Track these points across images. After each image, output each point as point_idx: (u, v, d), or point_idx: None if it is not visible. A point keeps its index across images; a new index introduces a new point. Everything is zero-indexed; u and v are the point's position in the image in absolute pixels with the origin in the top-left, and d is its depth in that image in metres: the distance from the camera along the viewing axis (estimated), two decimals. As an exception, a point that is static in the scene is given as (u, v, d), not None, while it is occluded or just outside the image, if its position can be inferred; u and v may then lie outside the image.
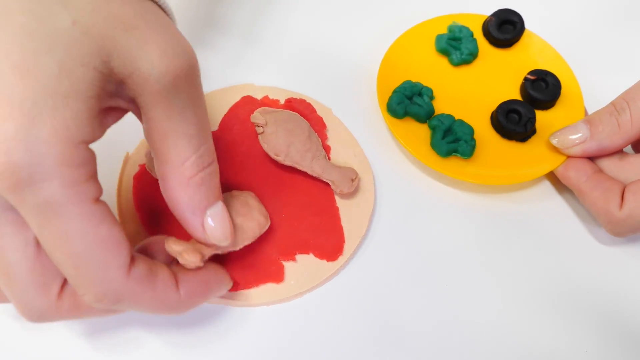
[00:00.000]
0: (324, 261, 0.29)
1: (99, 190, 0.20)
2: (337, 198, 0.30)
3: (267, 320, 0.27)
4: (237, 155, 0.31)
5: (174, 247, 0.24)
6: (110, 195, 0.29)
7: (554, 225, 0.31)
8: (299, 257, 0.29)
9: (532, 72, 0.34)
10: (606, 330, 0.28)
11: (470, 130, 0.32)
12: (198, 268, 0.24)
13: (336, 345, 0.27)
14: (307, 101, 0.33)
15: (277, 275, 0.28)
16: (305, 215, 0.30)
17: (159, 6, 0.23)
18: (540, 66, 0.35)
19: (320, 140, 0.31)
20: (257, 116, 0.31)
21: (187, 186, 0.22)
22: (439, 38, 0.36)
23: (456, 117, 0.32)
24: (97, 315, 0.23)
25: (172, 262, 0.25)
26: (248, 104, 0.33)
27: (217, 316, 0.27)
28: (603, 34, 0.39)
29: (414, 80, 0.34)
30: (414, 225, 0.31)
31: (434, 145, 0.31)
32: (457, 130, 0.31)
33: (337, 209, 0.30)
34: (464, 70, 0.35)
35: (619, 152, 0.31)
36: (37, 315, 0.22)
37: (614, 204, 0.28)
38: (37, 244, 0.21)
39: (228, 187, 0.30)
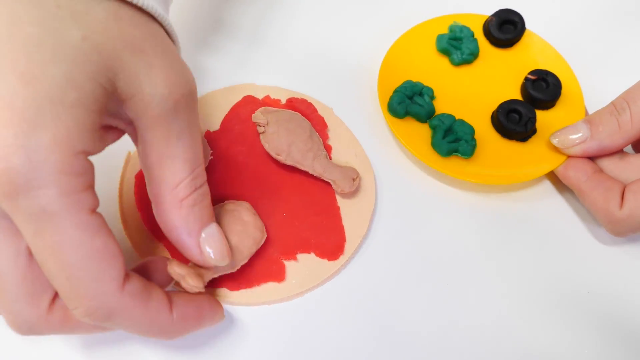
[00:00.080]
0: (325, 260, 0.29)
1: (96, 201, 0.20)
2: (338, 197, 0.30)
3: (268, 319, 0.27)
4: (239, 155, 0.31)
5: (177, 270, 0.23)
6: (111, 194, 0.29)
7: (554, 225, 0.31)
8: (300, 256, 0.29)
9: (532, 72, 0.34)
10: (606, 330, 0.28)
11: (470, 130, 0.32)
12: (197, 293, 0.24)
13: (337, 344, 0.27)
14: (308, 101, 0.33)
15: (278, 275, 0.28)
16: (307, 215, 0.30)
17: (164, 28, 0.23)
18: (540, 66, 0.35)
19: (321, 139, 0.31)
20: (258, 116, 0.31)
21: (180, 208, 0.23)
22: (440, 38, 0.36)
23: (457, 117, 0.32)
24: (87, 332, 0.23)
25: (166, 286, 0.24)
26: (249, 103, 0.33)
27: (218, 315, 0.27)
28: (603, 34, 0.39)
29: (414, 80, 0.34)
30: (415, 225, 0.31)
31: (435, 145, 0.31)
32: (458, 130, 0.32)
33: (338, 208, 0.30)
34: (465, 70, 0.35)
35: (619, 152, 0.31)
36: (26, 327, 0.21)
37: (614, 204, 0.28)
38: (29, 254, 0.20)
39: (228, 187, 0.30)
